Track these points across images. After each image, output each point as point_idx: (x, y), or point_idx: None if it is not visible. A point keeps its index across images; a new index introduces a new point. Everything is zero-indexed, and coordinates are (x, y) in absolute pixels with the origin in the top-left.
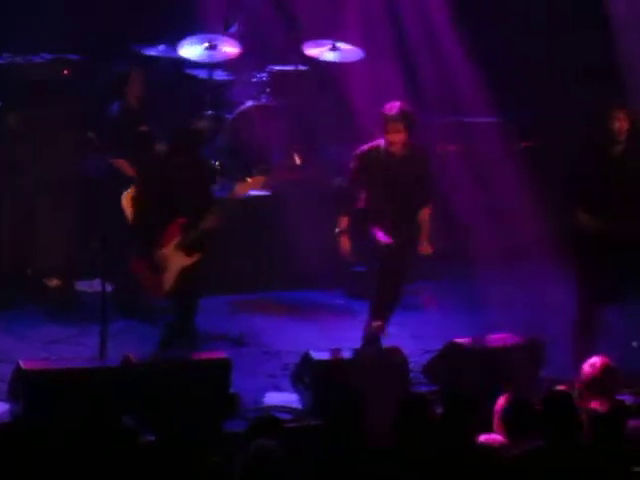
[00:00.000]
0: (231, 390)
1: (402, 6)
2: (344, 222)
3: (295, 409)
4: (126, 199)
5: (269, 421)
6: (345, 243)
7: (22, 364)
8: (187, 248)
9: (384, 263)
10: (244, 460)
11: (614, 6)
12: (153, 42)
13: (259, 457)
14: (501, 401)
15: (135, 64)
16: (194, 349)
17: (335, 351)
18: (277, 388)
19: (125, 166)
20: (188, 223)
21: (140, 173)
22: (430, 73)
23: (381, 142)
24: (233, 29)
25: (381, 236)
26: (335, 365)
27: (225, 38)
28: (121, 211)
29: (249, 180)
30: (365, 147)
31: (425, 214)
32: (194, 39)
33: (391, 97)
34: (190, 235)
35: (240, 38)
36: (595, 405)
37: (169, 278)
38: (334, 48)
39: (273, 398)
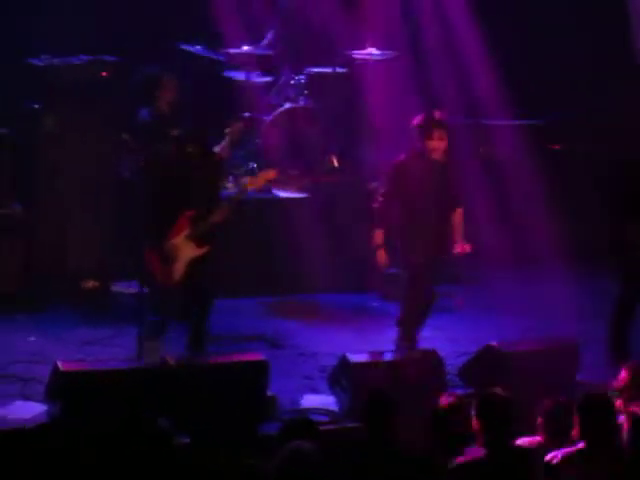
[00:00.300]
0: (268, 392)
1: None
2: (380, 236)
3: (332, 411)
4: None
5: (303, 423)
6: (382, 257)
7: (60, 365)
8: (197, 239)
9: (416, 281)
10: (279, 462)
11: None
12: (191, 42)
13: (295, 459)
14: (546, 404)
15: (167, 69)
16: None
17: (372, 354)
18: (314, 390)
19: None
20: (197, 215)
21: (151, 163)
22: (452, 75)
23: (418, 150)
24: (269, 36)
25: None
26: (372, 368)
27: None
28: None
29: (260, 174)
30: (403, 157)
31: (459, 215)
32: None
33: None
34: (200, 227)
35: (276, 42)
36: (636, 408)
37: (179, 268)
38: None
39: (310, 400)
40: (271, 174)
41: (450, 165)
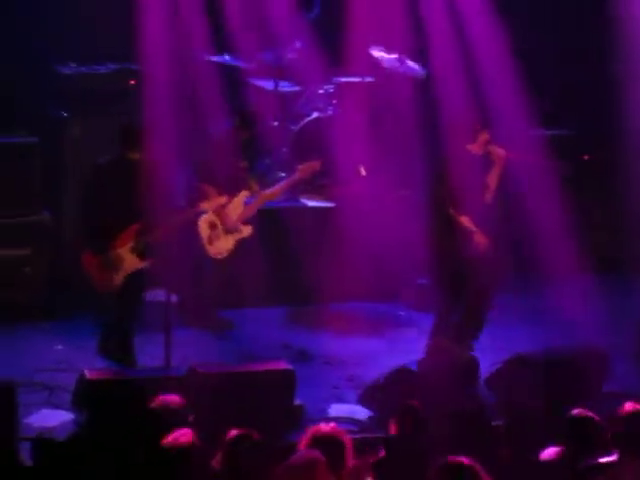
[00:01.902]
0: (296, 401)
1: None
2: (467, 220)
3: (359, 420)
4: (202, 223)
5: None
6: (481, 237)
7: (87, 374)
8: (140, 252)
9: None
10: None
11: None
12: (219, 52)
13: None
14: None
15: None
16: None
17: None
18: (341, 399)
19: (210, 191)
20: (143, 228)
21: (102, 170)
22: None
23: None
24: (296, 44)
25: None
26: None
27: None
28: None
29: (306, 165)
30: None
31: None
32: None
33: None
34: (144, 240)
35: (304, 51)
36: None
37: (119, 278)
38: (401, 60)
39: (337, 409)
40: (316, 165)
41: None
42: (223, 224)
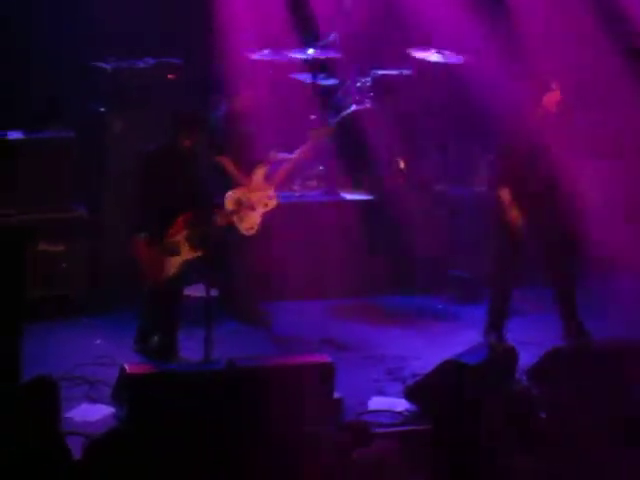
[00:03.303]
0: (335, 394)
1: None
2: (506, 193)
3: (400, 413)
4: (229, 201)
5: (359, 427)
6: (516, 214)
7: (127, 368)
8: (195, 242)
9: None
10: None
11: None
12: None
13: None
14: None
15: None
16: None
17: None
18: (381, 392)
19: (229, 165)
20: (196, 218)
21: (152, 158)
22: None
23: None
24: (332, 37)
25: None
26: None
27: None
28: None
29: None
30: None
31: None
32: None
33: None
34: (198, 229)
35: (340, 44)
36: None
37: (174, 266)
38: (439, 52)
39: (377, 402)
40: (327, 130)
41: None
42: (249, 200)
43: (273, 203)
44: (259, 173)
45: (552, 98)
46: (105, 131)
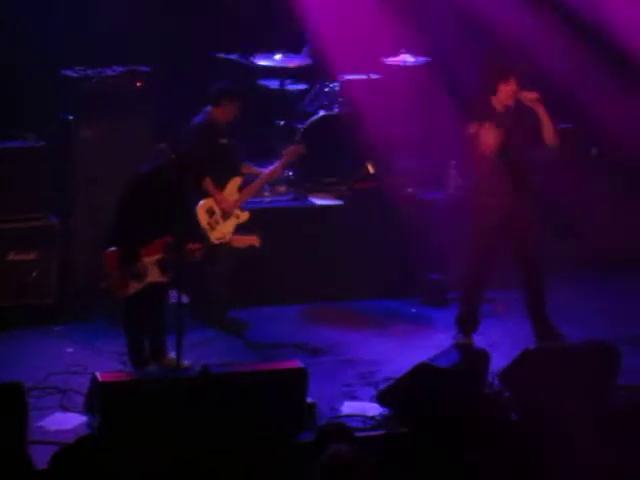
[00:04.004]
0: (308, 399)
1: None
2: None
3: (372, 418)
4: (200, 210)
5: (337, 428)
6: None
7: (99, 376)
8: (164, 267)
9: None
10: (321, 465)
11: None
12: (227, 50)
13: (335, 461)
14: None
15: (231, 93)
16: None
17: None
18: (354, 397)
19: (209, 184)
20: (174, 243)
21: (151, 177)
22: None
23: None
24: (307, 47)
25: None
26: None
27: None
28: (195, 221)
29: (290, 149)
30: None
31: None
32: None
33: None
34: (171, 255)
35: (311, 51)
36: None
37: (137, 287)
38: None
39: (350, 407)
40: (300, 149)
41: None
42: (221, 209)
43: (245, 215)
44: (233, 184)
45: (508, 89)
46: (74, 139)
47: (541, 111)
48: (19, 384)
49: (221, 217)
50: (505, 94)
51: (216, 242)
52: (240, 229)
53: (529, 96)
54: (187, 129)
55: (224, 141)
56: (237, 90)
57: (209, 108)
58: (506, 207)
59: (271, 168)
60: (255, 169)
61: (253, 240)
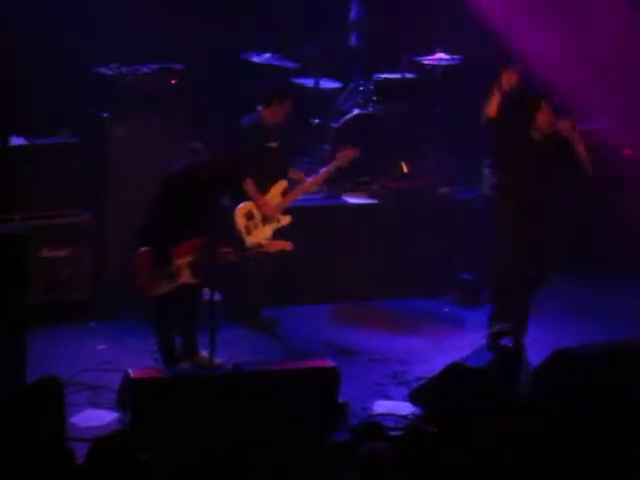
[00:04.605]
0: (340, 399)
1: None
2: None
3: (405, 416)
4: (239, 213)
5: (372, 427)
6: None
7: (131, 373)
8: (196, 269)
9: None
10: (356, 464)
11: None
12: (260, 50)
13: (370, 460)
14: None
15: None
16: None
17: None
18: (386, 396)
19: (251, 185)
20: (206, 244)
21: (182, 177)
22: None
23: None
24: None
25: None
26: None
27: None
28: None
29: (343, 152)
30: None
31: None
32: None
33: None
34: (203, 258)
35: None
36: None
37: (169, 287)
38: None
39: (382, 406)
40: (354, 152)
41: None
42: (262, 214)
43: (286, 219)
44: (278, 188)
45: (543, 118)
46: (108, 137)
47: (576, 140)
48: (55, 378)
49: (260, 221)
50: (542, 124)
51: (250, 246)
52: (277, 231)
53: (564, 125)
54: (236, 129)
55: (273, 144)
56: (287, 90)
57: (260, 108)
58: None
59: (320, 174)
60: (301, 175)
61: (285, 245)
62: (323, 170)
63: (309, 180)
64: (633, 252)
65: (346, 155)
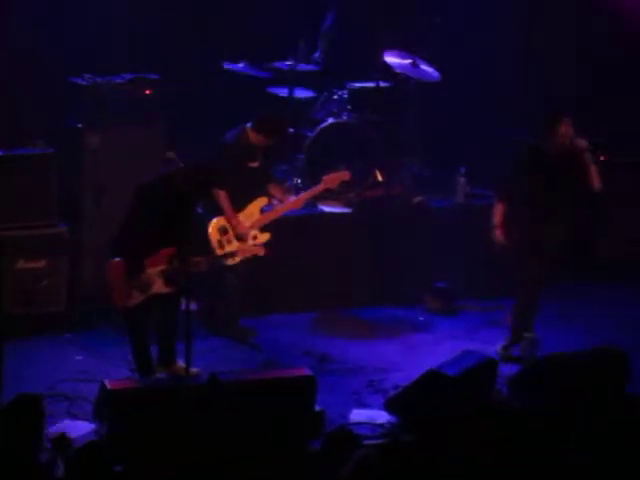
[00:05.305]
0: (316, 407)
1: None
2: (499, 213)
3: (381, 424)
4: (213, 227)
5: (344, 436)
6: (500, 235)
7: (107, 384)
8: (168, 279)
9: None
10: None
11: None
12: (234, 59)
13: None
14: None
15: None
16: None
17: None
18: (362, 405)
19: (224, 199)
20: (177, 254)
21: (154, 186)
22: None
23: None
24: (316, 54)
25: None
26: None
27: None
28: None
29: (334, 175)
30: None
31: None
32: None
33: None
34: (175, 267)
35: (320, 59)
36: None
37: (139, 297)
38: (415, 65)
39: (359, 414)
40: (344, 175)
41: None
42: (234, 229)
43: (265, 237)
44: (256, 204)
45: (562, 133)
46: (82, 147)
47: (588, 159)
48: (38, 397)
49: (234, 237)
50: (561, 138)
51: (222, 254)
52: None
53: (580, 144)
54: (218, 142)
55: (254, 164)
56: (281, 127)
57: (248, 126)
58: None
59: (304, 194)
60: (283, 193)
61: (258, 251)
62: (308, 191)
63: (291, 200)
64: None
65: (336, 178)
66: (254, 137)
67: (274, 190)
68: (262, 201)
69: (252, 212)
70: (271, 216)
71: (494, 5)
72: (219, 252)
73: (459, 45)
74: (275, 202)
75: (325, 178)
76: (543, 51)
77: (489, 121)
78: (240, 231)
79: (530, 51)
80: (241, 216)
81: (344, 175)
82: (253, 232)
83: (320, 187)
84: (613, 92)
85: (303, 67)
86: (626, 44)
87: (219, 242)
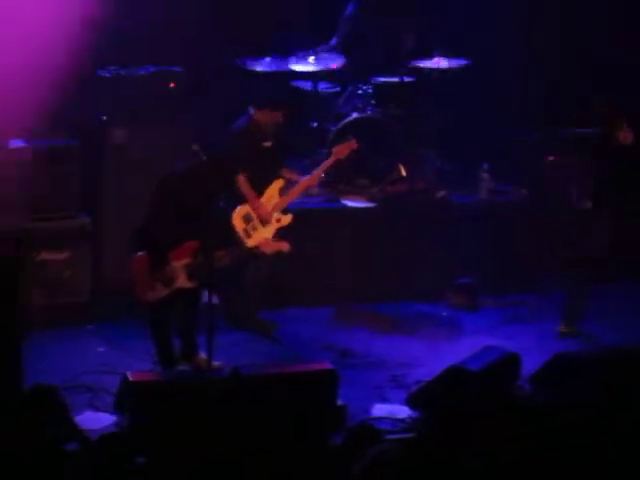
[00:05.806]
0: (338, 402)
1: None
2: None
3: (402, 419)
4: (236, 216)
5: (367, 430)
6: None
7: (129, 376)
8: (192, 273)
9: None
10: (364, 467)
11: None
12: (259, 55)
13: (380, 462)
14: None
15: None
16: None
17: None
18: (384, 399)
19: (243, 182)
20: (202, 248)
21: (179, 179)
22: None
23: None
24: (333, 41)
25: None
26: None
27: (327, 51)
28: (229, 224)
29: (344, 145)
30: None
31: None
32: (300, 53)
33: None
34: (199, 261)
35: (342, 50)
36: None
37: (164, 292)
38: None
39: (380, 409)
40: (352, 144)
41: None
42: (258, 215)
43: (287, 219)
44: (274, 187)
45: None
46: (106, 139)
47: None
48: (53, 388)
49: (259, 223)
50: (624, 140)
51: (246, 248)
52: (278, 231)
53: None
54: (227, 131)
55: (267, 144)
56: (283, 101)
57: (252, 111)
58: None
59: (318, 169)
60: (295, 175)
61: (282, 246)
62: (320, 166)
63: (306, 177)
64: None
65: (344, 148)
66: (260, 116)
67: (287, 173)
68: (279, 183)
69: (272, 195)
70: (291, 197)
71: (494, 5)
72: (247, 241)
73: (459, 45)
74: (290, 185)
75: (335, 150)
76: (543, 51)
77: (489, 121)
78: (263, 213)
79: (530, 51)
80: (262, 200)
81: (352, 144)
82: (276, 215)
83: (331, 160)
84: (613, 92)
85: (327, 62)
86: (626, 44)
87: (245, 231)
